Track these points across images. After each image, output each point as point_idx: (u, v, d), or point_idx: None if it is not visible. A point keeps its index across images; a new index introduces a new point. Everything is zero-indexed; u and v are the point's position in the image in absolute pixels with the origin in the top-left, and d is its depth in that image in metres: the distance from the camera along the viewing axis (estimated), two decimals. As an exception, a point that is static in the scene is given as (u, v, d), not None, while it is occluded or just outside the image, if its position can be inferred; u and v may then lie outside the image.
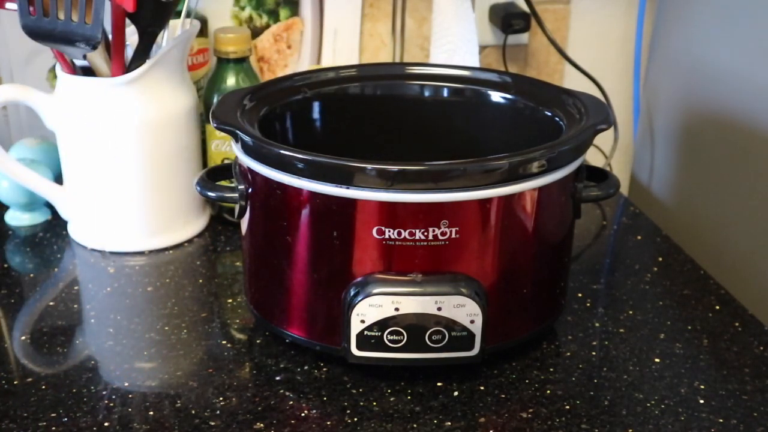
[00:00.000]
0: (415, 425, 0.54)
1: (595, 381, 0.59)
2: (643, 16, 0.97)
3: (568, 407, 0.56)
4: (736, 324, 0.66)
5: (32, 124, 0.87)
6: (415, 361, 0.56)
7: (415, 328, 0.54)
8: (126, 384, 0.58)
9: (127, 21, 0.71)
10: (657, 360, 0.61)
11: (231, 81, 0.80)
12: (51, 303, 0.69)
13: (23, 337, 0.64)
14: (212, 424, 0.54)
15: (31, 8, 0.66)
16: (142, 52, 0.72)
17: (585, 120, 0.60)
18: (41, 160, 0.81)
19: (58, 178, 0.80)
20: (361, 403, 0.56)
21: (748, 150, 0.80)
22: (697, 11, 0.87)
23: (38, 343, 0.63)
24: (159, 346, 0.63)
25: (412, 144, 0.72)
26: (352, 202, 0.53)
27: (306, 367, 0.60)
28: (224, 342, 0.64)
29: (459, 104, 0.71)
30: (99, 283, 0.72)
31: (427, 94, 0.71)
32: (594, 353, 0.62)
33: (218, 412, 0.55)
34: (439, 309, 0.54)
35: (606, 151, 0.96)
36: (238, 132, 0.57)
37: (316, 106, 0.70)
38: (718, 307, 0.68)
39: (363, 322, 0.54)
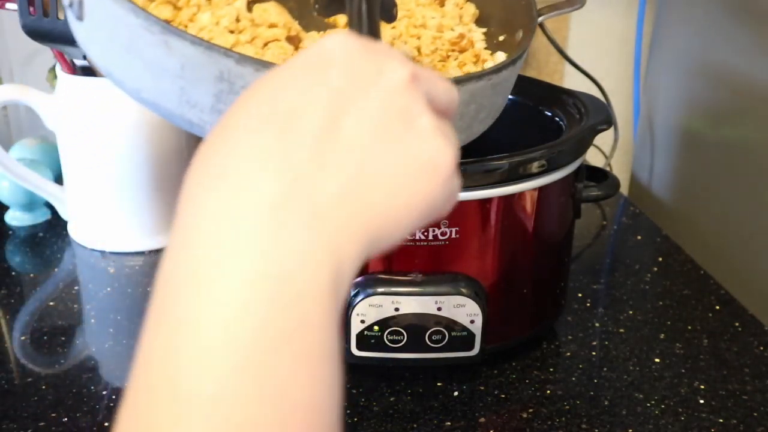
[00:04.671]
0: (415, 425, 0.54)
1: (595, 381, 0.59)
2: (643, 16, 0.97)
3: (568, 407, 0.56)
4: (736, 324, 0.66)
5: (32, 124, 0.87)
6: (415, 361, 0.56)
7: (415, 328, 0.54)
8: (126, 383, 0.58)
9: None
10: (657, 360, 0.61)
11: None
12: (51, 303, 0.69)
13: (23, 337, 0.64)
14: (212, 424, 0.54)
15: (31, 8, 0.66)
16: (142, 52, 0.72)
17: (585, 120, 0.60)
18: (41, 160, 0.81)
19: (58, 178, 0.80)
20: (361, 403, 0.56)
21: (747, 150, 0.80)
22: (697, 11, 0.87)
23: (38, 343, 0.63)
24: (159, 346, 0.63)
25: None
26: (352, 202, 0.53)
27: (306, 367, 0.60)
28: (224, 342, 0.64)
29: (459, 104, 0.71)
30: (99, 283, 0.72)
31: (427, 94, 0.71)
32: (594, 353, 0.62)
33: (218, 412, 0.55)
34: (439, 309, 0.54)
35: (606, 151, 0.96)
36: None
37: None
38: (718, 307, 0.68)
39: (363, 322, 0.54)
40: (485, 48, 0.62)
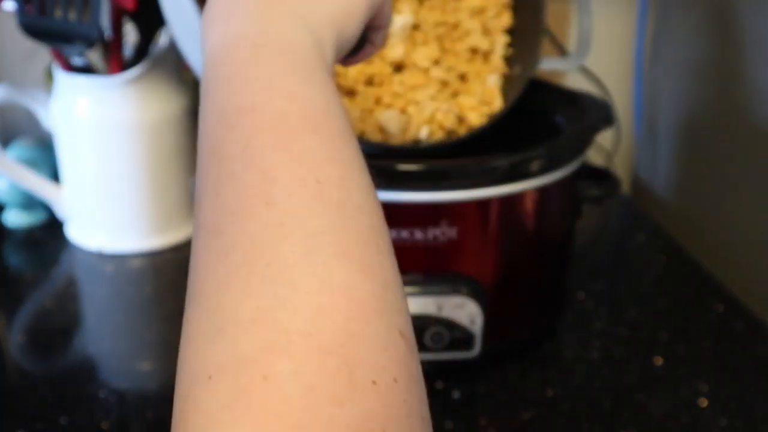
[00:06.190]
0: (414, 427, 0.54)
1: (596, 382, 0.58)
2: (645, 16, 0.96)
3: (569, 408, 0.56)
4: (740, 324, 0.65)
5: (29, 124, 0.86)
6: (415, 362, 0.56)
7: (415, 328, 0.54)
8: (125, 385, 0.58)
9: (126, 19, 0.71)
10: (659, 360, 0.61)
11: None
12: (49, 304, 0.69)
13: (22, 338, 0.64)
14: (210, 425, 0.54)
15: (29, 7, 0.66)
16: (141, 51, 0.72)
17: (585, 120, 0.59)
18: (39, 160, 0.81)
19: (56, 178, 0.80)
20: (361, 405, 0.56)
21: (750, 149, 0.79)
22: (699, 9, 0.87)
23: (37, 343, 0.63)
24: (158, 347, 0.63)
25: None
26: (351, 202, 0.53)
27: (305, 368, 0.59)
28: (223, 343, 0.63)
29: (459, 103, 0.70)
30: (97, 284, 0.72)
31: (426, 93, 0.71)
32: (595, 354, 0.62)
33: (217, 413, 0.55)
34: (439, 309, 0.54)
35: (607, 150, 0.96)
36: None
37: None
38: (720, 307, 0.68)
39: (362, 322, 0.54)
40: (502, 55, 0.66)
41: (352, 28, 0.37)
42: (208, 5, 0.36)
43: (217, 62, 0.32)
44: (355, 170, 0.29)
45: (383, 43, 0.45)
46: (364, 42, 0.44)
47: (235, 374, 0.23)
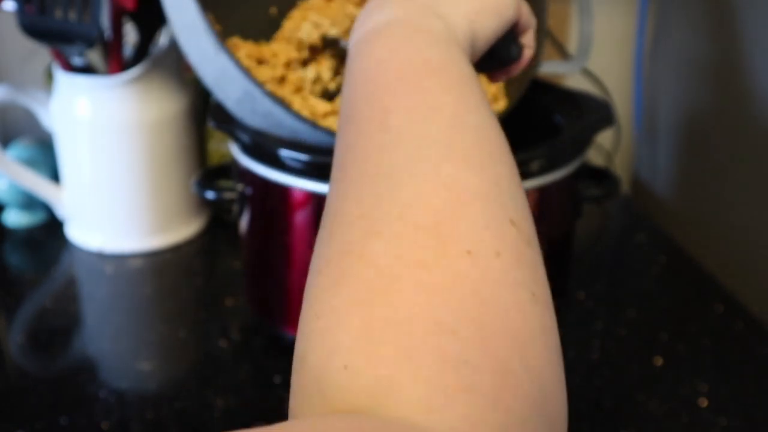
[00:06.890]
0: (415, 427, 0.54)
1: (597, 382, 0.58)
2: (645, 16, 0.96)
3: (569, 408, 0.55)
4: (740, 324, 0.65)
5: (29, 124, 0.86)
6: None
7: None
8: (124, 385, 0.58)
9: (126, 19, 0.71)
10: (659, 361, 0.61)
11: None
12: (49, 304, 0.69)
13: (21, 338, 0.64)
14: (211, 425, 0.54)
15: (29, 7, 0.66)
16: (141, 51, 0.72)
17: (585, 119, 0.59)
18: (39, 160, 0.81)
19: (56, 178, 0.80)
20: (361, 405, 0.56)
21: (750, 149, 0.79)
22: (699, 10, 0.87)
23: (36, 344, 0.63)
24: (157, 347, 0.63)
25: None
26: (351, 202, 0.53)
27: (305, 368, 0.59)
28: (223, 343, 0.63)
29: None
30: (97, 284, 0.72)
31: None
32: (595, 354, 0.62)
33: (217, 413, 0.55)
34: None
35: (607, 150, 0.95)
36: (236, 131, 0.56)
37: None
38: (720, 307, 0.68)
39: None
40: None
41: (486, 27, 0.40)
42: (364, 8, 0.40)
43: (359, 44, 0.36)
44: (473, 101, 0.31)
45: (534, 43, 0.47)
46: (521, 50, 0.46)
47: (338, 262, 0.26)
